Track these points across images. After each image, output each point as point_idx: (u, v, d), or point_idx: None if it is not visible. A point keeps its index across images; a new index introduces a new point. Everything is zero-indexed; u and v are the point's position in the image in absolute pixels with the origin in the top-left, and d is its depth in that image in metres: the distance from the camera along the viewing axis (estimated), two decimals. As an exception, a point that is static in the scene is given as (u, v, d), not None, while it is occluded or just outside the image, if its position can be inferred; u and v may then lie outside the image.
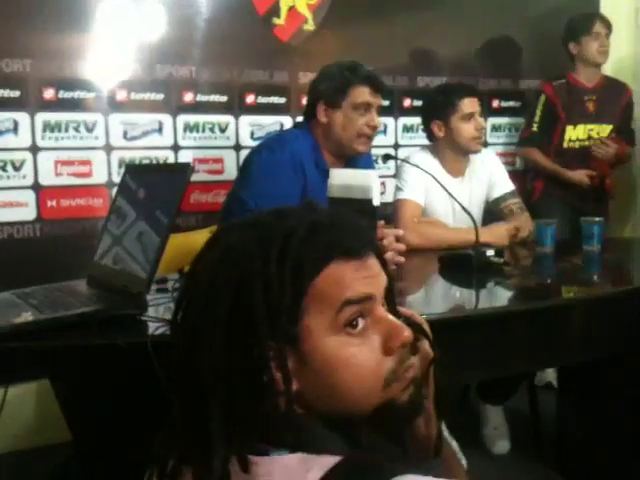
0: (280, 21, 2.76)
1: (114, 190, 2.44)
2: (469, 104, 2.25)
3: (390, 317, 0.68)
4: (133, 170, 1.56)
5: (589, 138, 3.00)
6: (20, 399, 2.29)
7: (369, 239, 0.70)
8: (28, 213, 2.38)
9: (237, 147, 2.74)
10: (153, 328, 1.20)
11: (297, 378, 0.64)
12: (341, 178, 1.38)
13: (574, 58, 3.01)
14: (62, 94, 2.40)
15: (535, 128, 2.99)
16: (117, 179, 2.46)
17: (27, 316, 1.15)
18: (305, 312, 0.64)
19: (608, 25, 2.95)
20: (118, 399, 1.22)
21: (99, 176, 2.48)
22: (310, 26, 2.82)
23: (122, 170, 2.47)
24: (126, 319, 1.22)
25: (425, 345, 0.77)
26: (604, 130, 3.01)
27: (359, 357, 0.65)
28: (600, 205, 2.99)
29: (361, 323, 0.65)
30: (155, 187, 1.35)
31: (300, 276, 0.63)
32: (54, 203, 2.42)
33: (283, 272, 0.63)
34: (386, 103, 2.96)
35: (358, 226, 0.70)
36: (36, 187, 2.39)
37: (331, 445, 0.63)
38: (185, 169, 1.29)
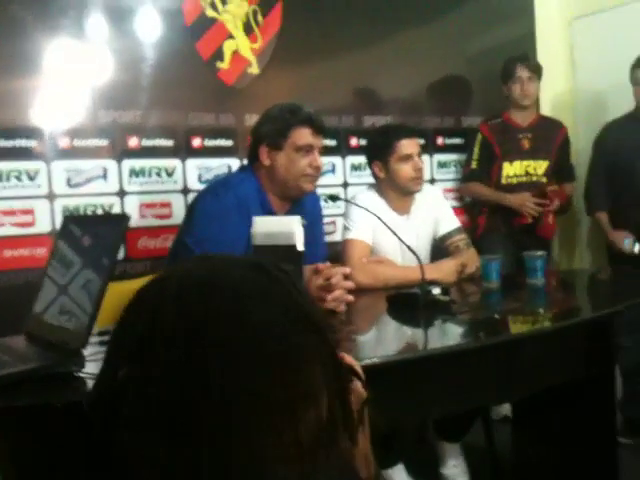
0: (224, 65, 2.78)
1: (58, 238, 2.40)
2: (407, 145, 2.28)
3: None
4: (74, 219, 1.52)
5: (526, 174, 3.10)
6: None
7: None
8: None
9: (185, 191, 2.73)
10: (91, 385, 1.15)
11: None
12: (264, 226, 1.39)
13: (507, 99, 3.13)
14: (2, 142, 2.35)
15: (474, 165, 3.10)
16: (61, 227, 2.41)
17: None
18: None
19: (532, 68, 3.07)
20: (56, 460, 1.17)
21: (42, 225, 2.43)
22: (254, 69, 2.85)
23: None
24: (64, 376, 1.17)
25: (358, 386, 0.76)
26: (540, 166, 3.11)
27: None
28: (542, 238, 3.07)
29: None
30: (99, 236, 1.32)
31: None
32: (-5, 254, 2.36)
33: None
34: (333, 143, 3.02)
35: None
36: (-25, 238, 2.33)
37: None
38: (123, 218, 1.27)
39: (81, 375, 1.19)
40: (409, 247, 1.92)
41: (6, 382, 1.11)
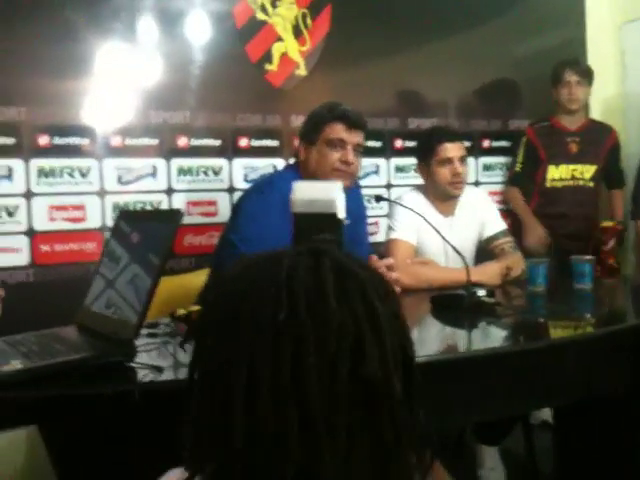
0: (272, 67, 2.81)
1: (108, 234, 2.46)
2: (447, 149, 2.27)
3: None
4: (125, 215, 1.57)
5: (572, 178, 3.05)
6: (9, 447, 2.26)
7: None
8: (21, 258, 2.38)
9: (231, 189, 2.77)
10: (141, 375, 1.19)
11: None
12: (303, 192, 1.31)
13: (556, 103, 3.09)
14: (57, 140, 2.43)
15: (518, 168, 3.08)
16: (111, 223, 2.47)
17: (15, 364, 1.14)
18: None
19: (581, 73, 3.02)
20: (107, 447, 1.21)
21: (93, 221, 2.50)
22: (302, 71, 2.88)
23: (115, 214, 2.49)
24: (114, 366, 1.21)
25: None
26: (588, 170, 3.06)
27: None
28: (586, 243, 3.02)
29: None
30: (149, 232, 1.36)
31: None
32: (48, 248, 2.43)
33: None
34: (378, 144, 3.03)
35: None
36: (30, 232, 2.40)
37: None
38: (176, 214, 1.30)
39: (132, 365, 1.22)
40: (454, 247, 1.92)
41: (60, 370, 1.15)
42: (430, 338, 1.73)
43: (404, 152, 3.09)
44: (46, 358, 1.17)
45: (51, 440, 1.37)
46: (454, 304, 1.74)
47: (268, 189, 1.88)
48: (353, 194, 2.09)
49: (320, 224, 1.27)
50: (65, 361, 1.17)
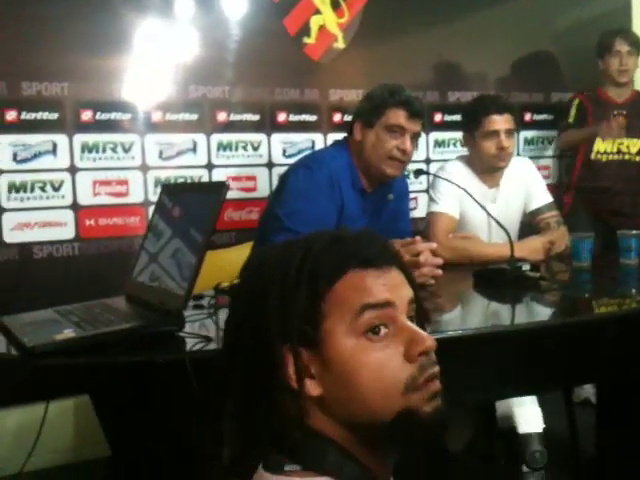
0: (310, 40, 2.79)
1: (150, 209, 2.50)
2: (494, 122, 2.21)
3: (413, 326, 0.69)
4: (169, 189, 1.59)
5: (618, 152, 2.97)
6: (60, 414, 2.33)
7: (391, 253, 0.73)
8: (67, 232, 2.43)
9: (269, 165, 2.77)
10: (191, 344, 1.21)
11: (321, 384, 0.68)
12: None
13: (603, 74, 3.00)
14: (99, 116, 2.46)
15: (571, 120, 2.98)
16: (153, 198, 2.51)
17: (68, 333, 1.17)
18: (325, 317, 0.67)
19: (632, 42, 2.93)
20: (157, 415, 1.24)
21: (136, 195, 2.53)
22: (340, 44, 2.85)
23: (158, 189, 2.52)
24: (164, 336, 1.23)
25: None
26: (635, 144, 2.98)
27: (379, 360, 0.67)
28: (631, 218, 2.96)
29: (383, 331, 0.68)
30: (191, 206, 1.37)
31: (316, 282, 0.67)
32: (92, 222, 2.47)
33: (299, 278, 0.67)
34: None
35: (382, 241, 0.74)
36: (75, 207, 2.45)
37: (339, 473, 0.65)
38: (220, 188, 1.31)
39: (181, 335, 1.24)
40: (497, 221, 1.90)
41: (112, 339, 1.17)
42: (473, 312, 1.73)
43: (443, 126, 3.06)
44: (98, 327, 1.20)
45: (102, 408, 1.41)
46: (497, 278, 1.72)
47: (316, 165, 1.88)
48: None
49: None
50: (117, 330, 1.19)
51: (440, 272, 1.69)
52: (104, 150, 2.48)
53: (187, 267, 1.28)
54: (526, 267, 1.71)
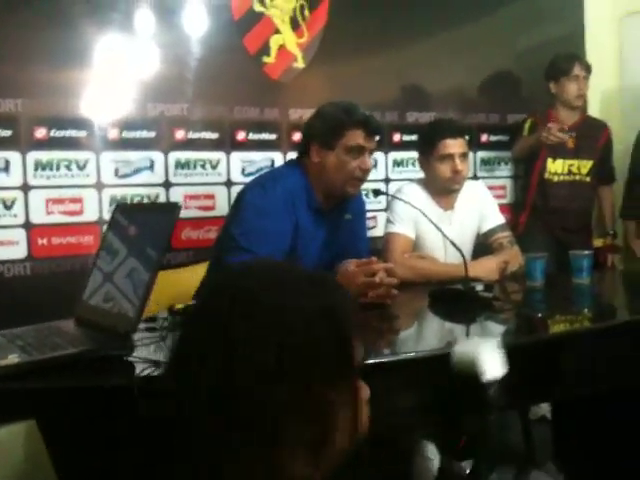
0: (270, 59, 2.80)
1: (105, 227, 2.45)
2: (448, 145, 2.24)
3: None
4: (123, 208, 1.56)
5: (569, 172, 3.05)
6: (8, 440, 2.26)
7: None
8: (19, 251, 2.37)
9: (228, 183, 2.76)
10: (140, 369, 1.19)
11: None
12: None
13: (554, 96, 3.07)
14: (54, 133, 2.41)
15: (525, 134, 3.05)
16: (108, 217, 2.46)
17: (13, 358, 1.14)
18: None
19: (587, 68, 3.02)
20: (104, 442, 1.20)
21: (90, 214, 2.49)
22: (300, 64, 2.87)
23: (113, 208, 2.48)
24: (113, 360, 1.21)
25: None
26: (584, 165, 3.07)
27: None
28: (584, 237, 3.03)
29: None
30: (145, 225, 1.35)
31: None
32: (45, 241, 2.42)
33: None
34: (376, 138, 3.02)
35: None
36: (27, 225, 2.39)
37: None
38: (173, 208, 1.29)
39: (130, 359, 1.22)
40: (453, 243, 1.91)
41: (58, 363, 1.14)
42: (429, 333, 1.73)
43: (402, 146, 3.09)
44: (44, 351, 1.17)
45: (49, 434, 1.37)
46: (452, 299, 1.73)
47: (271, 184, 1.87)
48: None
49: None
50: (63, 355, 1.16)
51: (396, 292, 1.70)
52: (58, 168, 2.43)
53: (140, 287, 1.26)
54: (480, 287, 1.73)
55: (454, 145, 2.23)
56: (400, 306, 1.78)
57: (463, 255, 1.86)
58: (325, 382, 0.67)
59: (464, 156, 2.25)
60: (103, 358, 1.19)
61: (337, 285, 0.75)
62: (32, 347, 1.20)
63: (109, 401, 1.15)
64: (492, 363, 1.23)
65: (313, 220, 1.93)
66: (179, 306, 1.72)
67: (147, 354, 1.28)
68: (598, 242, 2.94)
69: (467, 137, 2.31)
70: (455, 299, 1.73)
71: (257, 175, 2.04)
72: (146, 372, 1.16)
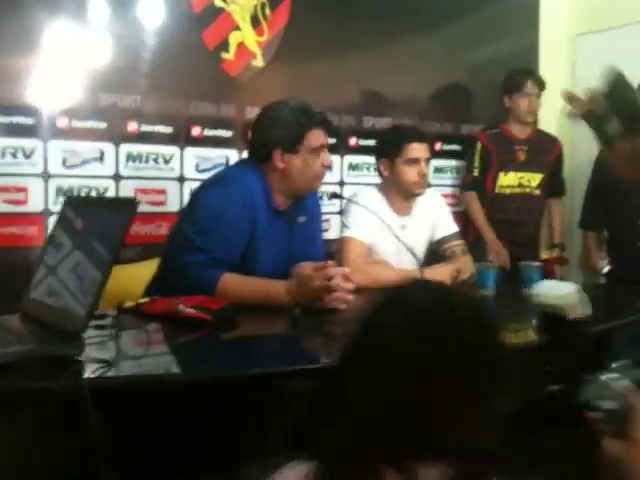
0: (229, 56, 2.76)
1: (51, 219, 2.37)
2: (416, 149, 2.28)
3: None
4: (74, 202, 1.50)
5: (519, 185, 3.12)
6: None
7: None
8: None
9: (181, 179, 2.71)
10: (90, 370, 1.14)
11: None
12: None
13: (508, 110, 3.14)
14: (0, 119, 2.32)
15: (476, 173, 3.11)
16: (54, 208, 2.39)
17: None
18: None
19: (540, 85, 3.09)
20: (51, 442, 1.15)
21: (35, 204, 2.40)
22: (259, 62, 2.84)
23: (60, 198, 2.40)
24: (61, 359, 1.15)
25: None
26: (535, 178, 3.14)
27: None
28: (532, 248, 3.11)
29: None
30: (98, 221, 1.30)
31: None
32: (-14, 230, 2.32)
33: None
34: (332, 141, 3.01)
35: None
36: (-33, 213, 2.29)
37: None
38: (131, 205, 1.25)
39: (80, 359, 1.17)
40: (410, 249, 1.92)
41: (7, 361, 1.09)
42: None
43: (358, 150, 3.09)
44: (-10, 348, 1.11)
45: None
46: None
47: (229, 184, 1.83)
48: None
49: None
50: (10, 352, 1.11)
51: (351, 297, 1.69)
52: (3, 155, 2.33)
53: (91, 285, 1.21)
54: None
55: (420, 149, 2.26)
56: (354, 312, 1.77)
57: (418, 261, 1.87)
58: None
59: (428, 161, 2.29)
60: (52, 358, 1.14)
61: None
62: (-25, 343, 1.14)
63: (58, 403, 1.10)
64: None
65: (270, 221, 1.91)
66: (129, 304, 1.67)
67: (96, 353, 1.23)
68: (545, 254, 3.02)
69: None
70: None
71: (213, 173, 1.99)
72: (97, 372, 1.12)
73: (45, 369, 1.10)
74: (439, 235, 2.38)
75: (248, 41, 2.80)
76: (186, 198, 2.69)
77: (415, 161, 2.27)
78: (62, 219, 1.43)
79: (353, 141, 3.11)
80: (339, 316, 1.68)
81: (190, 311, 1.53)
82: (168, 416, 1.16)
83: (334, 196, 2.25)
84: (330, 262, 1.76)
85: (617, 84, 0.70)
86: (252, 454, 0.88)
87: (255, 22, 2.81)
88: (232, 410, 1.18)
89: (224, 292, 1.70)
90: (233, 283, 1.73)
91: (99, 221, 1.30)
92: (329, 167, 1.97)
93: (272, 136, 1.90)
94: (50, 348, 1.15)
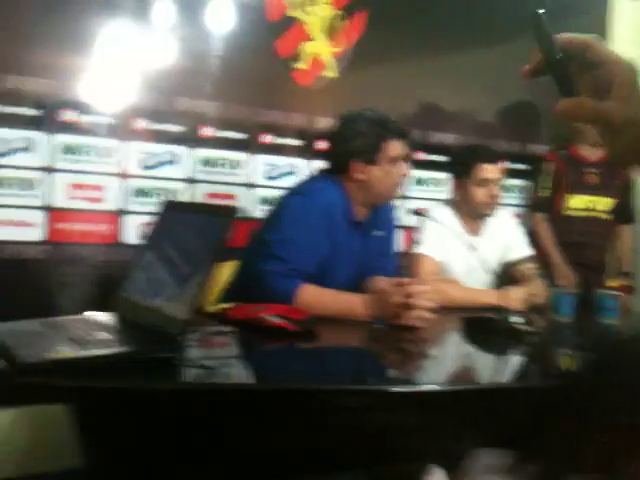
0: (302, 66, 2.78)
1: (125, 218, 2.42)
2: (487, 170, 2.27)
3: None
4: (173, 205, 1.52)
5: (588, 209, 3.07)
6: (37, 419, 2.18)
7: None
8: (36, 234, 2.32)
9: (250, 185, 2.73)
10: (191, 374, 1.15)
11: None
12: None
13: (579, 133, 3.09)
14: (82, 117, 2.38)
15: (546, 194, 3.06)
16: (128, 206, 2.44)
17: (64, 352, 1.09)
18: None
19: None
20: (150, 444, 1.17)
21: (111, 203, 2.45)
22: (331, 73, 2.85)
23: (136, 198, 2.46)
24: (160, 362, 1.17)
25: None
26: (604, 203, 3.08)
27: None
28: (598, 274, 3.04)
29: None
30: (198, 225, 1.32)
31: None
32: (64, 226, 2.37)
33: None
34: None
35: None
36: (47, 208, 2.34)
37: None
38: (231, 211, 1.27)
39: (179, 362, 1.18)
40: (485, 268, 1.91)
41: (109, 362, 1.10)
42: (466, 363, 1.65)
43: (425, 165, 3.08)
44: (95, 347, 1.13)
45: (85, 425, 1.33)
46: (487, 328, 1.71)
47: (312, 195, 1.84)
48: (387, 206, 2.08)
49: None
50: (115, 353, 1.12)
51: (431, 317, 1.68)
52: (82, 153, 2.39)
53: (189, 290, 1.23)
54: (516, 319, 1.70)
55: (492, 170, 2.25)
56: (434, 331, 1.75)
57: (495, 281, 1.86)
58: None
59: (499, 182, 2.26)
60: (152, 359, 1.16)
61: None
62: (82, 340, 1.16)
63: (155, 403, 1.11)
64: None
65: (347, 233, 1.91)
66: (211, 308, 1.69)
67: (194, 357, 1.25)
68: (612, 282, 2.95)
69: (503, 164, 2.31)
70: (490, 329, 1.70)
71: (297, 184, 2.00)
72: (199, 377, 1.13)
73: (143, 371, 1.12)
74: (512, 257, 2.36)
75: (321, 52, 2.82)
76: (254, 204, 2.72)
77: (486, 182, 2.26)
78: (161, 223, 1.45)
79: (419, 155, 3.10)
80: (417, 334, 1.67)
81: (275, 320, 1.53)
82: (258, 423, 1.17)
83: (416, 213, 2.23)
84: (409, 279, 1.75)
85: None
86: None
87: (329, 33, 2.83)
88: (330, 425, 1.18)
89: (302, 303, 1.70)
90: (312, 294, 1.74)
91: (199, 225, 1.32)
92: (406, 176, 1.98)
93: (351, 147, 1.91)
94: (151, 350, 1.16)
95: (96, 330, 1.27)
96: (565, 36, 0.68)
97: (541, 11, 0.66)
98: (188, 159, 2.59)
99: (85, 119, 2.39)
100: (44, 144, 2.32)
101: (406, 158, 1.95)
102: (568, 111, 0.66)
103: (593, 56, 0.65)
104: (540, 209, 3.10)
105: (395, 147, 1.90)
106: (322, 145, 2.85)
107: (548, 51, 0.66)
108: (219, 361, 1.31)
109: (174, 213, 1.45)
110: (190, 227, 1.35)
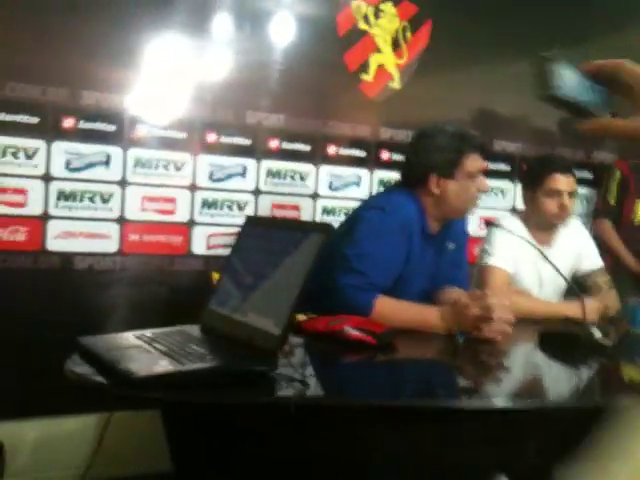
0: (368, 77, 2.80)
1: (195, 229, 2.48)
2: (557, 180, 2.23)
3: None
4: (256, 221, 1.56)
5: None
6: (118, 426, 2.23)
7: None
8: (111, 245, 2.40)
9: (315, 196, 2.76)
10: (289, 388, 1.18)
11: None
12: None
13: None
14: (154, 131, 2.44)
15: (612, 202, 3.01)
16: (199, 218, 2.50)
17: (167, 366, 1.13)
18: None
19: None
20: (244, 457, 1.20)
21: (182, 215, 2.51)
22: (396, 84, 2.86)
23: (204, 209, 2.51)
24: (257, 376, 1.20)
25: None
26: None
27: None
28: None
29: None
30: (289, 243, 1.34)
31: None
32: (136, 237, 2.44)
33: None
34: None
35: None
36: (121, 220, 2.42)
37: None
38: (325, 228, 1.29)
39: (276, 377, 1.21)
40: (566, 279, 1.89)
41: (209, 376, 1.14)
42: (556, 382, 1.63)
43: (488, 174, 3.05)
44: (196, 362, 1.16)
45: (173, 427, 1.37)
46: (568, 343, 1.69)
47: (391, 209, 1.85)
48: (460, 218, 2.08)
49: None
50: (215, 367, 1.16)
51: (510, 330, 1.67)
52: (156, 167, 2.45)
53: (284, 305, 1.25)
54: (598, 334, 1.68)
55: (563, 181, 2.22)
56: (512, 345, 1.74)
57: (578, 292, 1.83)
58: None
59: (572, 194, 2.24)
60: (249, 374, 1.18)
61: None
62: (179, 355, 1.20)
63: (256, 418, 1.14)
64: None
65: (422, 246, 1.92)
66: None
67: (288, 372, 1.27)
68: None
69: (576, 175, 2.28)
70: (571, 344, 1.68)
71: (373, 197, 2.02)
72: (297, 391, 1.16)
73: (242, 384, 1.15)
74: (585, 268, 2.33)
75: (388, 63, 2.84)
76: (318, 215, 2.75)
77: (556, 192, 2.22)
78: (246, 238, 1.48)
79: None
80: (497, 348, 1.66)
81: (356, 333, 1.55)
82: (350, 437, 1.18)
83: (489, 224, 2.22)
84: (487, 292, 1.75)
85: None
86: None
87: (396, 45, 2.84)
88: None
89: (379, 315, 1.71)
90: (389, 307, 1.75)
91: (292, 241, 1.33)
92: (485, 191, 1.96)
93: (429, 161, 1.91)
94: (251, 364, 1.19)
95: (190, 343, 1.30)
96: (595, 64, 0.74)
97: (545, 54, 0.71)
98: (255, 171, 2.64)
99: (157, 133, 2.45)
100: (119, 158, 2.39)
101: (483, 172, 1.95)
102: (592, 132, 0.72)
103: (628, 78, 0.71)
104: (606, 216, 3.05)
105: (474, 162, 1.90)
106: (385, 156, 2.87)
107: (543, 89, 0.70)
108: (313, 375, 1.33)
109: (258, 228, 1.48)
110: (282, 243, 1.37)
